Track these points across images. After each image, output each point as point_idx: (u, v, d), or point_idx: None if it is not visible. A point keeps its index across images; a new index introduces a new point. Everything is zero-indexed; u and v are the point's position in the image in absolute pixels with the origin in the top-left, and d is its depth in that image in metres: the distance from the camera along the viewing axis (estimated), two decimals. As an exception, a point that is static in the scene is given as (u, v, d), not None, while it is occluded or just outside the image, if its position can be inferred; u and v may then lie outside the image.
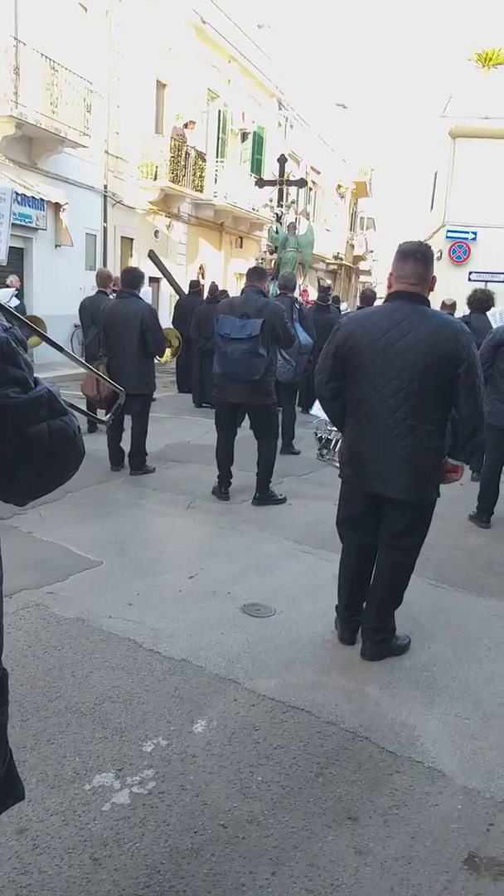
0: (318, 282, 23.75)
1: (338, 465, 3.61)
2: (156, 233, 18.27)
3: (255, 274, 5.68)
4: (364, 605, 3.39)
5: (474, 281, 17.44)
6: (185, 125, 17.80)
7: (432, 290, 3.13)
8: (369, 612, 3.31)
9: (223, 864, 2.06)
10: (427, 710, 2.90)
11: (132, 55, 16.30)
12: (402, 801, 2.37)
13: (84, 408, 7.10)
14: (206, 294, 11.33)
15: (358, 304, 9.45)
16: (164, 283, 15.26)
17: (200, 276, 20.18)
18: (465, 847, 2.19)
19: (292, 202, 15.00)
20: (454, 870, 2.10)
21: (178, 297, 12.34)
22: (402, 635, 3.41)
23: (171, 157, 17.26)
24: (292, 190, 16.84)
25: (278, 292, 7.53)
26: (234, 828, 2.21)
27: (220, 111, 20.95)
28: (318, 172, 30.04)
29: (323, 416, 4.43)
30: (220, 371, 5.37)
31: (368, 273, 42.82)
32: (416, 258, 3.08)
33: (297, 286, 13.08)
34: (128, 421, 6.45)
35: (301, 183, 15.14)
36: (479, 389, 3.02)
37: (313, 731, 2.72)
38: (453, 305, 8.49)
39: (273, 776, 2.45)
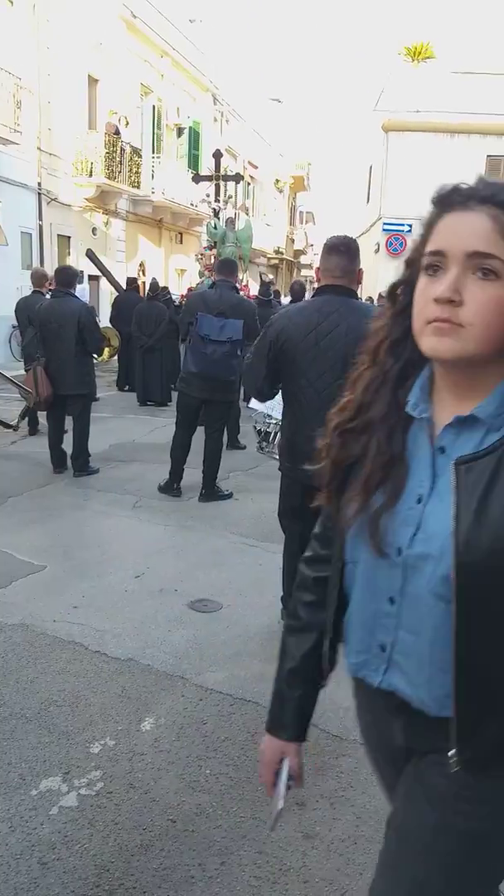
0: (260, 277, 23.82)
1: (277, 457, 3.66)
2: (93, 230, 18.04)
3: (226, 267, 5.60)
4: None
5: (412, 272, 17.74)
6: (120, 121, 17.59)
7: (360, 282, 3.19)
8: (313, 602, 3.36)
9: (173, 857, 2.08)
10: (371, 693, 2.97)
11: (62, 50, 16.02)
12: (347, 784, 2.42)
13: (23, 410, 7.00)
14: (146, 291, 11.26)
15: (289, 298, 9.48)
16: (103, 281, 15.09)
17: (141, 273, 20.03)
18: (409, 823, 2.25)
19: (229, 197, 14.97)
20: (398, 846, 2.16)
21: (115, 295, 12.21)
22: (347, 622, 3.46)
23: (106, 153, 17.05)
24: (230, 185, 16.84)
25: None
26: (183, 821, 2.22)
27: (154, 106, 20.78)
28: (256, 167, 30.09)
29: (261, 408, 4.47)
30: (197, 370, 5.29)
31: (309, 267, 43.04)
32: (339, 251, 3.13)
33: (240, 279, 13.12)
34: (69, 422, 6.38)
35: (237, 178, 15.15)
36: None
37: (260, 721, 2.73)
38: (390, 296, 8.62)
39: (221, 768, 2.48)
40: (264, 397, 3.43)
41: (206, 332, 5.14)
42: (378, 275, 18.92)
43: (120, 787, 2.36)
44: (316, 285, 3.26)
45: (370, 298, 13.35)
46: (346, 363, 3.00)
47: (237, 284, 8.51)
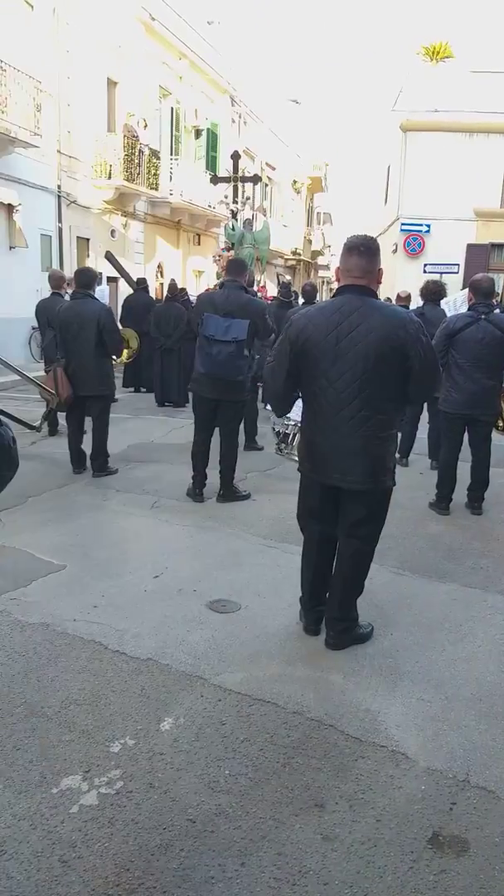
0: (277, 277, 23.82)
1: (296, 458, 3.65)
2: (112, 232, 18.13)
3: (236, 267, 5.54)
4: (327, 595, 3.43)
5: (429, 273, 17.67)
6: (139, 123, 17.67)
7: (380, 282, 3.18)
8: (332, 602, 3.36)
9: (192, 858, 2.08)
10: (390, 695, 2.96)
11: (81, 53, 16.13)
12: (367, 786, 2.41)
13: (45, 412, 7.06)
14: (164, 292, 11.28)
15: (301, 300, 9.45)
16: (122, 282, 15.15)
17: (159, 275, 20.12)
18: (429, 826, 2.24)
19: (247, 198, 15.00)
20: (419, 850, 2.15)
21: (127, 296, 12.25)
22: (365, 623, 3.46)
23: (125, 155, 17.13)
24: (248, 186, 16.87)
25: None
26: (202, 822, 2.22)
27: (172, 108, 20.86)
28: (274, 168, 30.11)
29: (281, 410, 4.47)
30: (204, 371, 5.29)
31: (327, 268, 43.01)
32: (359, 251, 3.12)
33: (255, 282, 13.12)
34: (88, 423, 6.41)
35: (255, 179, 15.18)
36: (431, 377, 3.09)
37: (279, 722, 2.76)
38: (408, 297, 8.59)
39: (240, 769, 2.48)
40: (282, 403, 3.43)
41: (212, 332, 5.13)
42: (396, 275, 18.85)
43: (140, 786, 2.37)
44: (335, 286, 3.25)
45: (388, 299, 13.27)
46: (366, 363, 3.02)
47: (254, 285, 8.53)
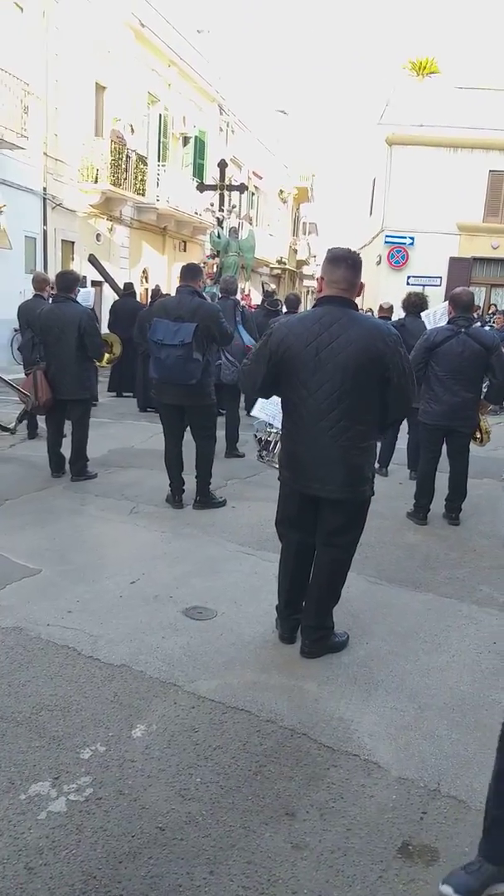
0: (263, 286, 23.89)
1: (276, 466, 3.66)
2: (97, 236, 18.11)
3: (189, 273, 5.52)
4: (304, 603, 3.43)
5: (412, 285, 17.85)
6: (125, 128, 17.68)
7: (360, 295, 3.21)
8: (308, 610, 3.36)
9: (161, 866, 2.07)
10: (364, 704, 2.96)
11: (70, 57, 16.14)
12: (338, 795, 2.41)
13: (20, 413, 7.00)
14: (149, 298, 11.27)
15: (284, 309, 9.48)
16: (107, 287, 15.12)
17: (144, 280, 20.09)
18: (400, 836, 2.24)
19: (233, 207, 15.04)
20: (388, 859, 2.15)
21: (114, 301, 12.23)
22: (341, 632, 3.46)
23: (112, 160, 17.14)
24: (234, 194, 16.92)
25: (220, 296, 7.55)
26: (172, 830, 2.21)
27: (160, 115, 20.90)
28: (261, 178, 30.25)
29: (263, 417, 4.48)
30: (157, 376, 5.31)
31: (311, 277, 43.20)
32: (347, 264, 3.14)
33: (240, 290, 13.15)
34: (68, 426, 6.38)
35: (241, 188, 15.23)
36: (408, 390, 3.11)
37: (252, 730, 2.75)
38: (390, 309, 8.65)
39: (212, 777, 2.46)
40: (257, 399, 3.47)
41: (160, 336, 5.12)
42: (379, 287, 19.01)
43: (109, 793, 2.35)
44: (318, 295, 3.27)
45: (370, 310, 13.38)
46: (345, 374, 3.04)
47: (237, 293, 8.54)
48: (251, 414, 4.86)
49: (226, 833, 2.21)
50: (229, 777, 2.47)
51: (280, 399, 3.37)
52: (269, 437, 4.88)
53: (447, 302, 5.47)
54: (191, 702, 2.91)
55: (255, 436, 5.16)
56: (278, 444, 4.45)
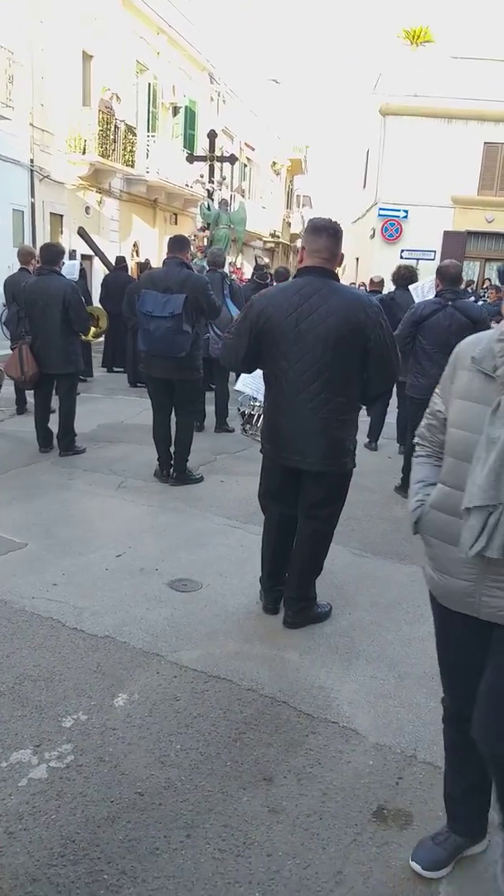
0: (256, 260, 23.70)
1: (259, 440, 3.66)
2: (87, 209, 17.86)
3: (177, 244, 5.47)
4: (286, 574, 3.46)
5: (406, 259, 17.71)
6: (112, 98, 17.38)
7: (340, 265, 3.18)
8: (291, 582, 3.38)
9: (138, 830, 2.10)
10: (344, 673, 3.00)
11: (56, 25, 15.77)
12: (315, 760, 2.45)
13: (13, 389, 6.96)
14: (138, 272, 11.17)
15: (275, 283, 9.41)
16: (97, 260, 14.97)
17: (135, 253, 19.89)
18: (375, 800, 2.29)
19: (224, 178, 14.83)
20: (363, 822, 2.19)
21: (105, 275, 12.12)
22: (324, 603, 3.49)
23: (100, 130, 16.85)
24: (225, 166, 16.69)
25: (208, 268, 7.49)
26: (150, 795, 2.25)
27: (149, 84, 20.52)
28: (253, 149, 29.82)
29: (247, 391, 4.45)
30: (145, 348, 5.29)
31: (305, 251, 42.88)
32: (329, 233, 3.12)
33: (231, 263, 13.03)
34: (56, 402, 6.35)
35: (232, 159, 15.00)
36: (390, 360, 3.10)
37: (233, 698, 2.78)
38: (381, 283, 8.59)
39: (192, 743, 2.50)
40: (240, 372, 3.45)
41: (149, 308, 5.08)
42: (373, 260, 18.88)
43: (90, 760, 2.38)
44: (298, 266, 3.24)
45: (363, 284, 13.29)
46: (325, 346, 3.03)
47: (225, 266, 8.47)
48: (235, 388, 4.85)
49: (204, 798, 2.25)
50: (209, 744, 2.50)
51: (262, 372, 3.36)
52: (252, 410, 4.86)
53: (434, 275, 5.43)
54: (173, 671, 2.94)
55: (239, 409, 5.14)
56: (261, 417, 4.45)
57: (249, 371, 3.33)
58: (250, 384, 4.86)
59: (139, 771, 2.35)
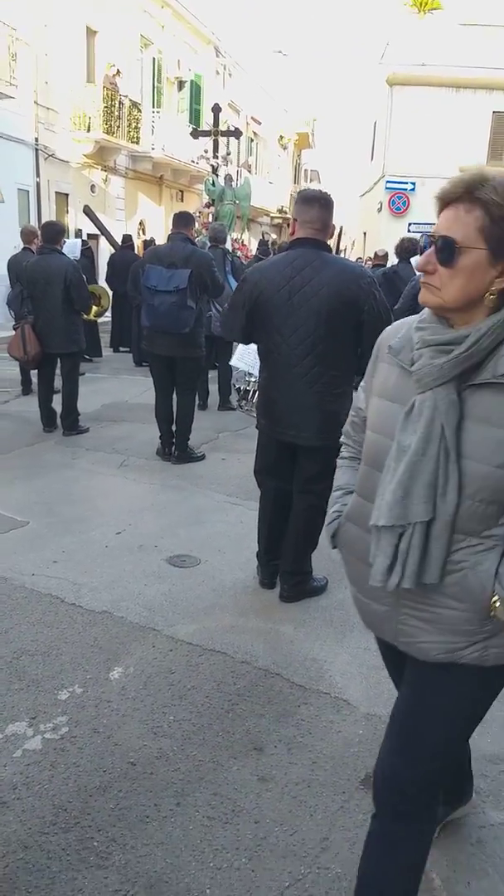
0: (262, 236, 23.50)
1: (255, 415, 3.66)
2: (92, 187, 17.78)
3: (181, 220, 5.45)
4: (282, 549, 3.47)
5: (413, 232, 17.48)
6: (118, 74, 17.20)
7: (332, 237, 3.16)
8: (286, 556, 3.40)
9: (129, 798, 2.15)
10: (338, 645, 3.02)
11: (59, 1, 15.58)
12: (306, 730, 2.48)
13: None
14: (143, 250, 11.11)
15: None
16: (103, 239, 14.93)
17: (141, 232, 19.78)
18: (363, 768, 2.31)
19: (228, 153, 14.68)
20: (350, 790, 2.22)
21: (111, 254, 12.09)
22: (320, 577, 3.51)
23: (105, 107, 16.70)
24: (230, 141, 16.52)
25: (209, 244, 7.44)
26: (142, 764, 2.29)
27: (154, 59, 20.28)
28: (259, 123, 29.46)
29: (243, 366, 4.45)
30: (149, 324, 5.29)
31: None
32: (321, 203, 3.09)
33: (237, 239, 12.94)
34: (60, 381, 6.37)
35: (236, 133, 14.82)
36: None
37: (227, 670, 2.82)
38: (385, 256, 8.52)
39: (185, 715, 2.54)
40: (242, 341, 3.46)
41: (154, 283, 5.07)
42: (381, 234, 18.67)
43: (84, 731, 2.42)
44: (290, 238, 3.21)
45: (370, 259, 13.14)
46: (318, 319, 3.01)
47: (227, 242, 8.40)
48: (230, 363, 4.85)
49: (194, 767, 2.29)
50: (202, 715, 2.54)
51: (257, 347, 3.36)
52: (248, 386, 4.85)
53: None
54: (169, 645, 2.98)
55: (234, 385, 5.14)
56: (257, 393, 4.44)
57: (246, 343, 3.32)
58: (245, 359, 4.85)
59: (132, 741, 2.39)
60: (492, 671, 1.43)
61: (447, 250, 1.28)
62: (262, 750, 2.38)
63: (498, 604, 1.34)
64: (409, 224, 19.42)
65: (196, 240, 6.09)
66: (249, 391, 4.77)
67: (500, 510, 1.34)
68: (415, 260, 6.40)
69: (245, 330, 3.26)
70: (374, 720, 2.54)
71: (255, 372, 4.21)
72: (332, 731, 2.49)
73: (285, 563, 3.40)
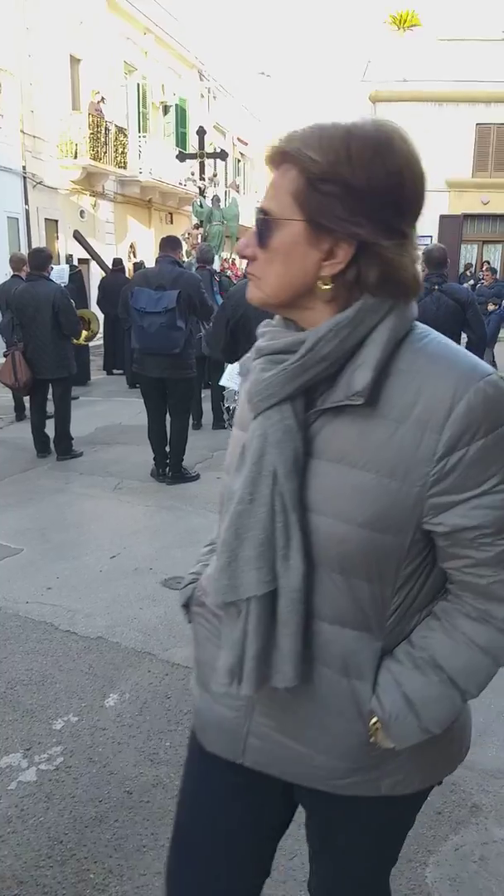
0: (252, 254, 23.66)
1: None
2: (81, 213, 17.90)
3: (169, 244, 5.52)
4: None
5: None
6: (102, 101, 17.40)
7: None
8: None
9: (126, 828, 2.11)
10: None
11: (43, 30, 15.79)
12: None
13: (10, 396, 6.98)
14: (133, 273, 11.19)
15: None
16: (94, 263, 15.03)
17: (132, 255, 19.91)
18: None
19: (214, 175, 14.82)
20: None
21: (102, 277, 12.16)
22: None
23: (91, 133, 16.86)
24: (217, 162, 16.69)
25: (196, 265, 7.49)
26: (139, 793, 2.25)
27: (139, 84, 20.52)
28: (246, 144, 29.78)
29: (232, 385, 4.43)
30: (139, 346, 5.31)
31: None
32: None
33: (226, 258, 13.03)
34: (52, 407, 6.38)
35: (222, 155, 14.97)
36: None
37: (224, 693, 2.79)
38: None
39: (182, 740, 2.50)
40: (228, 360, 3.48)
41: (143, 304, 5.10)
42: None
43: (80, 761, 2.39)
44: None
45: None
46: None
47: (213, 263, 8.46)
48: (220, 383, 4.86)
49: None
50: (199, 740, 2.51)
51: None
52: (235, 404, 4.85)
53: (420, 261, 5.40)
54: (164, 669, 2.95)
55: (223, 405, 5.15)
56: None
57: (231, 359, 3.35)
58: (236, 379, 4.85)
59: (128, 770, 2.36)
60: None
61: (261, 225, 0.95)
62: (259, 773, 2.34)
63: (378, 727, 0.99)
64: (397, 237, 19.56)
65: (185, 262, 6.14)
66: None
67: (380, 591, 0.96)
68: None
69: (228, 347, 3.28)
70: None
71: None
72: (330, 751, 2.46)
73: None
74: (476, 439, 0.90)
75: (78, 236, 12.87)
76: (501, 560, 0.95)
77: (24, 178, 15.77)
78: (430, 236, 19.52)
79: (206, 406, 7.53)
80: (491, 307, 12.11)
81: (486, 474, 0.91)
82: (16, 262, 7.75)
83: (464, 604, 0.99)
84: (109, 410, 8.62)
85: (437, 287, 5.07)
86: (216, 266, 8.69)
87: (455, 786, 2.28)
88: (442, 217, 20.33)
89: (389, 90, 19.80)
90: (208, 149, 15.35)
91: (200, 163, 13.77)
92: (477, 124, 19.96)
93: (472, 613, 0.98)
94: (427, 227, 19.86)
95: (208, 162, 15.27)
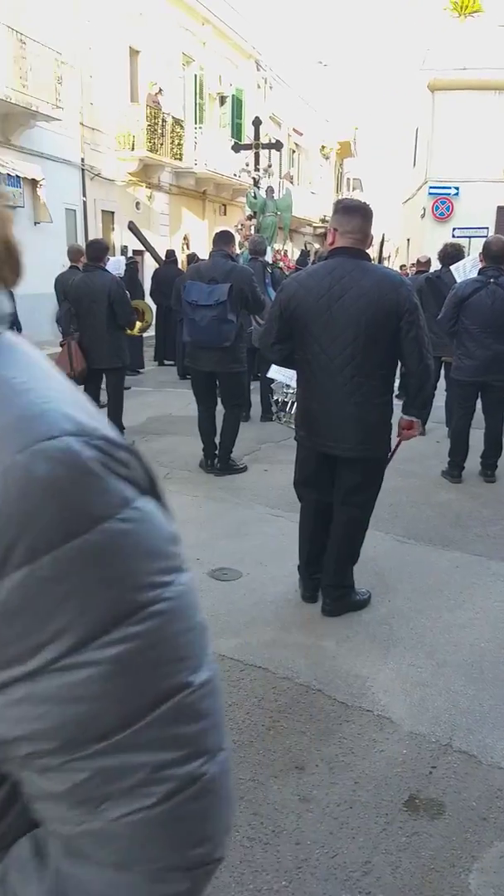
0: (305, 246, 23.53)
1: (293, 426, 3.64)
2: (137, 204, 18.07)
3: (222, 238, 5.55)
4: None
5: (458, 237, 17.24)
6: (157, 92, 17.49)
7: (371, 246, 3.14)
8: (328, 569, 3.36)
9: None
10: (381, 661, 2.97)
11: (102, 22, 15.94)
12: (349, 749, 2.43)
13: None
14: (186, 265, 11.25)
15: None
16: (148, 255, 15.15)
17: (185, 247, 20.01)
18: (407, 789, 2.26)
19: (269, 166, 14.72)
20: (394, 812, 2.17)
21: (155, 269, 12.25)
22: (363, 590, 3.46)
23: (148, 125, 16.98)
24: (272, 153, 16.58)
25: (250, 257, 7.47)
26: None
27: (196, 75, 20.55)
28: (301, 134, 29.55)
29: (280, 378, 4.44)
30: (190, 339, 5.35)
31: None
32: (362, 214, 3.08)
33: (279, 250, 12.97)
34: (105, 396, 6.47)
35: (277, 145, 14.85)
36: (423, 340, 3.03)
37: (268, 686, 2.79)
38: (427, 262, 8.40)
39: (236, 736, 2.51)
40: (276, 360, 3.45)
41: (195, 298, 5.11)
42: (424, 240, 18.47)
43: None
44: (329, 247, 3.21)
45: (413, 265, 12.99)
46: (357, 328, 2.99)
47: (266, 254, 8.42)
48: (268, 375, 4.83)
49: (235, 786, 2.25)
50: (242, 732, 2.52)
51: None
52: (285, 397, 4.84)
53: (478, 253, 5.28)
54: (210, 660, 2.96)
55: (271, 397, 5.13)
56: (295, 404, 4.44)
57: (283, 355, 3.31)
58: (283, 371, 4.83)
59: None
60: None
61: None
62: (303, 769, 2.34)
63: None
64: (454, 229, 19.15)
65: (238, 254, 6.14)
66: (287, 402, 4.74)
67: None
68: (455, 266, 6.27)
69: (278, 341, 3.24)
70: (418, 739, 2.48)
71: (292, 383, 4.19)
72: (374, 749, 2.44)
73: (327, 577, 3.36)
74: (16, 562, 0.49)
75: (133, 228, 12.98)
76: (86, 797, 0.53)
77: (83, 170, 15.98)
78: (487, 228, 19.07)
79: (255, 398, 7.53)
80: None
81: (41, 634, 0.50)
82: (73, 253, 7.89)
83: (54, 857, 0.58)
84: (160, 401, 8.70)
85: (492, 280, 4.95)
86: (268, 257, 8.64)
87: (501, 791, 2.24)
88: (499, 208, 19.83)
89: (449, 79, 19.36)
90: (263, 139, 15.26)
91: (255, 153, 13.71)
92: (539, 113, 19.37)
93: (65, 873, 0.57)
94: (483, 219, 19.41)
95: (263, 153, 15.20)
